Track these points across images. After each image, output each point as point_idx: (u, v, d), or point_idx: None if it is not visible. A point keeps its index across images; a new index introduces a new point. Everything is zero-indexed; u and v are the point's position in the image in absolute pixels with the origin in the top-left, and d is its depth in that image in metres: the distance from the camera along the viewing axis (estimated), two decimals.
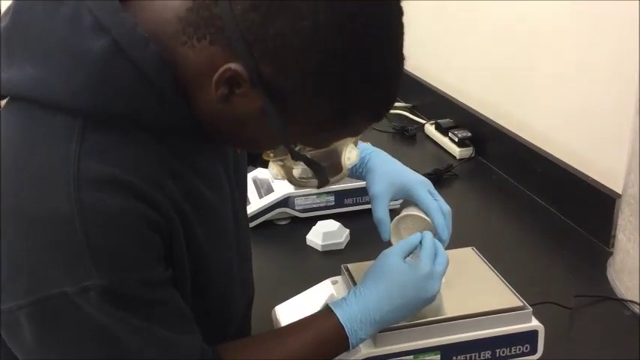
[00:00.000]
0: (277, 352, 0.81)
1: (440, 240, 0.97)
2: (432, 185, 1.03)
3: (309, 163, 0.78)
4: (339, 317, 0.82)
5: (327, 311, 0.84)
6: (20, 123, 0.66)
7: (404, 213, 1.01)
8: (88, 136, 0.64)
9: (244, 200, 0.95)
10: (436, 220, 0.97)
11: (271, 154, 0.80)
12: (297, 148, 0.77)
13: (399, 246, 0.90)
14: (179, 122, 0.70)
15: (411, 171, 1.04)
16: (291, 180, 0.84)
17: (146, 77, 0.65)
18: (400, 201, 1.07)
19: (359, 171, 1.05)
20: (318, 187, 0.85)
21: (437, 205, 0.99)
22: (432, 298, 0.87)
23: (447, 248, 0.99)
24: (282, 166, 0.82)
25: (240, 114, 0.67)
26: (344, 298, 0.85)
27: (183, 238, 0.71)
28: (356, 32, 0.62)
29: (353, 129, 0.74)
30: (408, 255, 0.89)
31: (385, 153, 1.07)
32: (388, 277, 0.85)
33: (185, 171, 0.72)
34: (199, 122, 0.70)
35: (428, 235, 0.91)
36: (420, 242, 0.90)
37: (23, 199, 0.63)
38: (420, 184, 1.01)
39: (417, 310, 0.87)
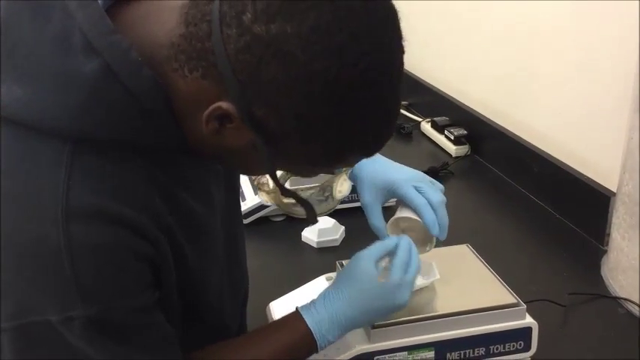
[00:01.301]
0: (248, 358, 0.81)
1: (435, 235, 0.96)
2: (419, 178, 0.99)
3: (298, 199, 0.78)
4: (307, 322, 0.82)
5: (295, 315, 0.84)
6: (7, 146, 0.64)
7: (395, 216, 0.99)
8: (77, 163, 0.63)
9: (237, 199, 0.94)
10: (425, 218, 0.95)
11: (263, 184, 0.80)
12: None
13: (373, 249, 0.88)
14: (171, 144, 0.68)
15: (396, 168, 1.01)
16: (281, 207, 0.83)
17: (140, 103, 0.63)
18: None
19: (349, 177, 1.04)
20: (308, 225, 0.84)
21: (424, 201, 0.95)
22: (401, 307, 0.86)
23: (442, 242, 0.99)
24: (273, 197, 0.81)
25: (231, 144, 0.66)
26: (313, 302, 0.85)
27: (171, 261, 0.71)
28: (353, 81, 0.60)
29: (345, 163, 0.74)
30: (382, 258, 0.88)
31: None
32: (357, 282, 0.85)
33: (175, 187, 0.71)
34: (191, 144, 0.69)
35: (404, 240, 0.89)
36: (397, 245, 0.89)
37: (11, 226, 0.62)
38: (405, 182, 0.98)
39: (386, 315, 0.87)
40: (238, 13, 0.59)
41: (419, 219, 0.96)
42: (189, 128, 0.66)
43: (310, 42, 0.58)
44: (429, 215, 0.95)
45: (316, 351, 0.83)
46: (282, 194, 0.77)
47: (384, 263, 0.88)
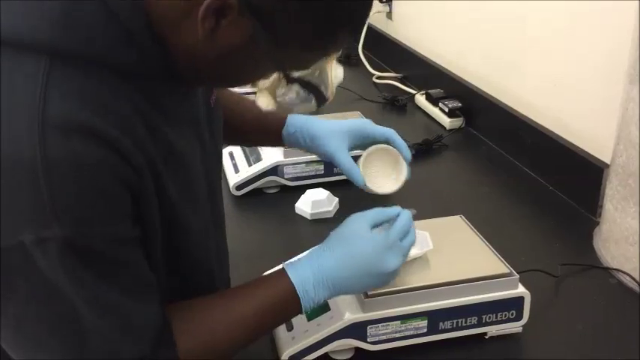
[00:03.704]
0: (227, 316, 0.77)
1: (405, 159, 1.03)
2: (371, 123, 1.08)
3: (303, 84, 0.78)
4: (291, 278, 0.79)
5: (279, 272, 0.80)
6: None
7: (366, 153, 1.05)
8: (54, 76, 0.59)
9: (219, 158, 0.92)
10: (397, 143, 1.03)
11: (262, 84, 0.78)
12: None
13: (371, 212, 0.86)
14: (151, 66, 0.66)
15: (342, 120, 1.08)
16: (279, 104, 0.82)
17: (116, 18, 0.61)
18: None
19: (304, 143, 1.06)
20: (318, 106, 0.83)
21: (393, 131, 1.04)
22: (391, 273, 0.83)
23: (437, 214, 1.00)
24: (270, 91, 0.80)
25: (227, 47, 0.64)
26: (299, 259, 0.81)
27: (153, 192, 0.67)
28: None
29: (335, 46, 0.72)
30: (379, 224, 0.86)
31: (317, 118, 1.10)
32: (350, 241, 0.82)
33: (156, 119, 0.68)
34: (175, 66, 0.67)
35: (406, 213, 0.88)
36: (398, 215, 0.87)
37: None
38: (365, 123, 1.06)
39: (376, 283, 0.84)
40: None
41: (391, 147, 1.04)
42: (177, 44, 0.65)
43: None
44: (400, 141, 1.04)
45: (301, 312, 0.80)
46: (287, 82, 0.74)
47: (381, 229, 0.86)
